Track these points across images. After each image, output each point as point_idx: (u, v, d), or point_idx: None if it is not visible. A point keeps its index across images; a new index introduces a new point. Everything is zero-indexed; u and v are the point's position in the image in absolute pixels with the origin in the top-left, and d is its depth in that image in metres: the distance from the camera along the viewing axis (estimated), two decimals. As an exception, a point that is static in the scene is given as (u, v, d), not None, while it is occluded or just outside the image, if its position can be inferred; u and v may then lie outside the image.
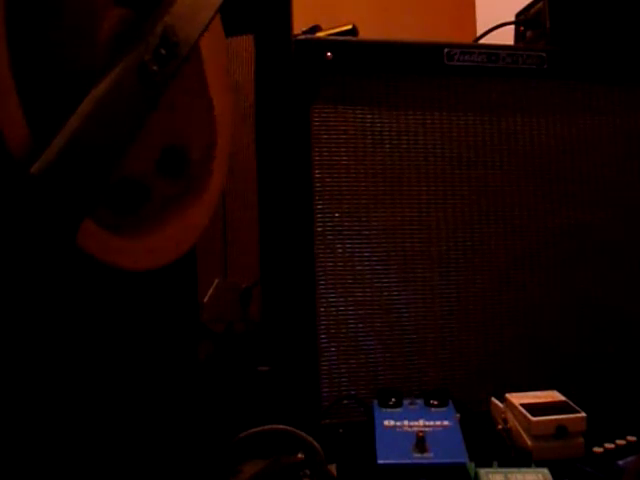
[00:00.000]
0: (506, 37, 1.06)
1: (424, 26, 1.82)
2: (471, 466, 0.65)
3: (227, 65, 0.81)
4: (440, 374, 0.87)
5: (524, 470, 0.64)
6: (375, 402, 0.75)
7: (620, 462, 0.69)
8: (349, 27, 0.96)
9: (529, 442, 0.71)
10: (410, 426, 0.69)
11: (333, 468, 0.73)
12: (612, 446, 0.73)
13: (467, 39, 1.48)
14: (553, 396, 0.77)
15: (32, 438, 0.53)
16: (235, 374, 0.84)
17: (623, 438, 0.74)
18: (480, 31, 1.21)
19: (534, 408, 0.72)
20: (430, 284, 0.87)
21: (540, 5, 0.97)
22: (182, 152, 0.65)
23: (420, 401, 0.75)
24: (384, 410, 0.73)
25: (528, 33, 1.01)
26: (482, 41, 1.04)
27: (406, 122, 0.87)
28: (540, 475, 0.63)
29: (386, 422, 0.71)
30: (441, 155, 0.88)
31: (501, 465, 0.66)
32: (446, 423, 0.70)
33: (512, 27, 1.06)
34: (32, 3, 0.50)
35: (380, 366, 0.85)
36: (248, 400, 0.81)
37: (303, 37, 0.86)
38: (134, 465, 0.61)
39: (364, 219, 0.85)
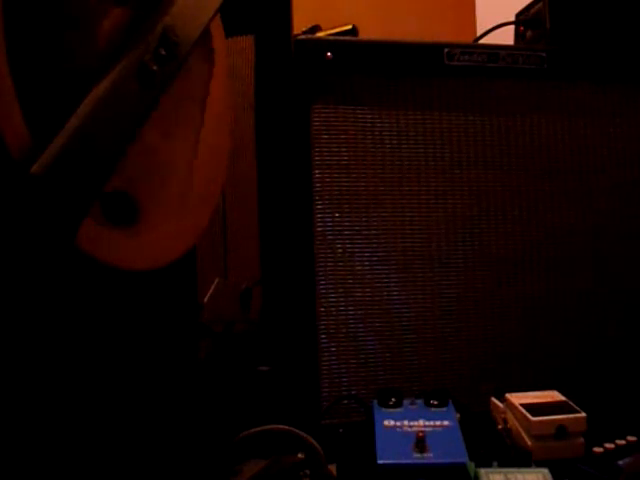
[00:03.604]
0: (506, 37, 1.06)
1: (424, 26, 1.82)
2: (471, 466, 0.65)
3: (230, 67, 0.81)
4: (440, 374, 0.87)
5: (524, 470, 0.64)
6: (375, 402, 0.75)
7: (620, 462, 0.68)
8: (349, 27, 0.96)
9: (529, 442, 0.71)
10: (410, 426, 0.69)
11: (333, 468, 0.73)
12: (612, 446, 0.72)
13: (467, 39, 1.48)
14: (553, 396, 0.76)
15: (32, 438, 0.53)
16: (235, 374, 0.84)
17: (623, 438, 0.74)
18: (480, 31, 1.21)
19: (534, 408, 0.72)
20: (430, 284, 0.87)
21: (540, 5, 0.97)
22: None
23: (420, 401, 0.75)
24: (384, 410, 0.73)
25: (528, 33, 1.01)
26: (482, 41, 1.04)
27: (406, 122, 0.87)
28: (540, 475, 0.63)
29: (386, 422, 0.70)
30: (441, 155, 0.88)
31: (501, 465, 0.66)
32: (446, 423, 0.70)
33: (512, 27, 1.06)
34: (31, 2, 0.50)
35: (380, 366, 0.85)
36: (248, 400, 0.81)
37: (303, 37, 0.86)
38: (134, 465, 0.61)
39: (364, 219, 0.85)
